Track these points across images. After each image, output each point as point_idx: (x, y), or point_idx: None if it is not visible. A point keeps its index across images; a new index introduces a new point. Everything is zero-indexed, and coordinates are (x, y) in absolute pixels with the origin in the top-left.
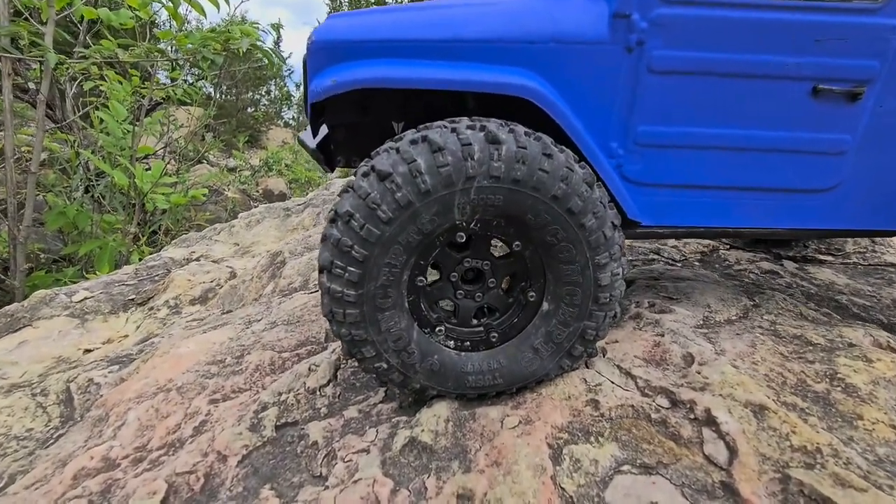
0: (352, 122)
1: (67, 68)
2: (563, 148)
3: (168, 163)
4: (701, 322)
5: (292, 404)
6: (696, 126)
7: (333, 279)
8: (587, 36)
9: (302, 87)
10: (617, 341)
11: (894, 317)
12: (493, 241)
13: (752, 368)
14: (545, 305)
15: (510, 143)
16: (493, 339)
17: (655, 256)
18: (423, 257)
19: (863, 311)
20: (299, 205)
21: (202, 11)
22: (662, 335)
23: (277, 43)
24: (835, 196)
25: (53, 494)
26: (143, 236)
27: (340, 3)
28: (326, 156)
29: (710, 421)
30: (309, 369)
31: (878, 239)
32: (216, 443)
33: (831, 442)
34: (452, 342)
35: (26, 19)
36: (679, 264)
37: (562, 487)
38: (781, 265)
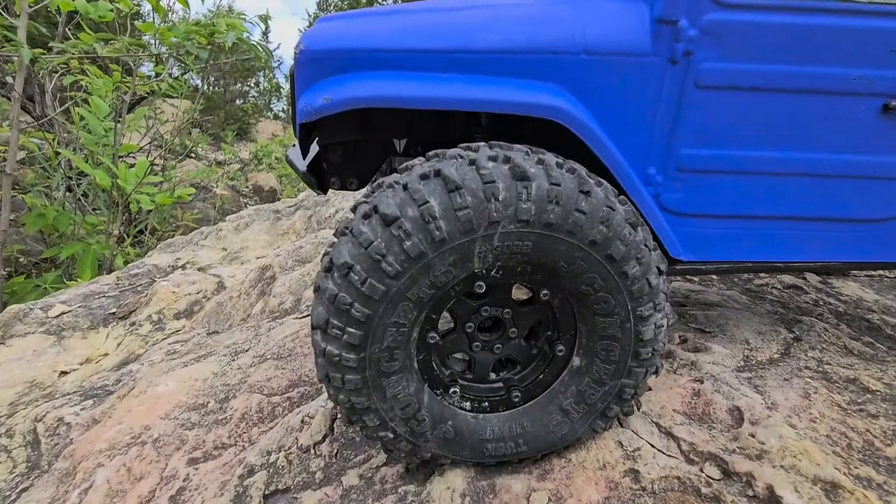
0: (350, 140)
1: (46, 63)
2: (602, 181)
3: (154, 159)
4: (742, 363)
5: (283, 466)
6: (748, 149)
7: (330, 340)
8: (625, 46)
9: (289, 99)
10: (650, 388)
11: None
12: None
13: (812, 429)
14: (576, 361)
15: (541, 180)
16: (516, 399)
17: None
18: (435, 311)
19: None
20: (290, 207)
21: (186, 3)
22: (702, 381)
23: (266, 34)
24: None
25: None
26: (127, 237)
27: None
28: (318, 177)
29: (774, 500)
30: (302, 422)
31: None
32: None
33: None
34: (468, 403)
35: None
36: (696, 279)
37: None
38: (804, 278)
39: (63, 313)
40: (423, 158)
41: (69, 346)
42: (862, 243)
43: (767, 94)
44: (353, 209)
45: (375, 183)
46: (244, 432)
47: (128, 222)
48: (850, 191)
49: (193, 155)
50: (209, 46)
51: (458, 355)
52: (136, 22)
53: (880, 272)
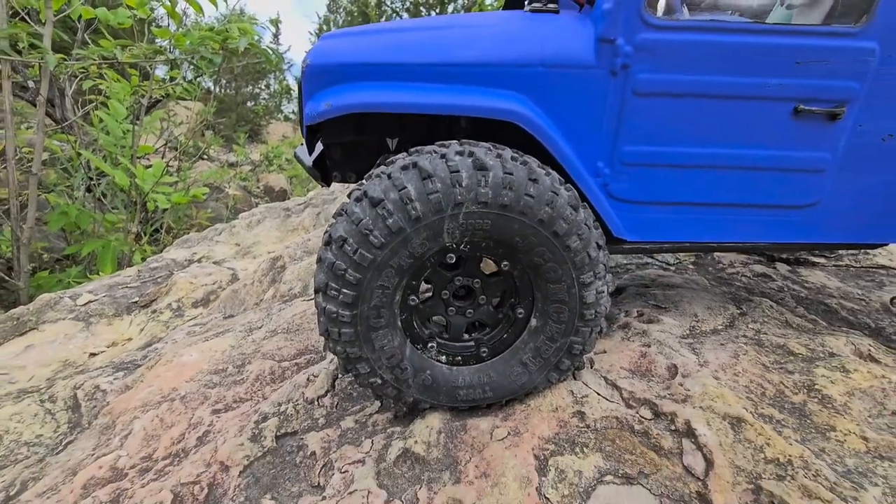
0: (347, 140)
1: (67, 68)
2: (550, 171)
3: (169, 161)
4: (687, 332)
5: (291, 414)
6: (680, 146)
7: (329, 300)
8: (574, 60)
9: (298, 104)
10: (605, 352)
11: (882, 321)
12: (483, 260)
13: (733, 380)
14: (533, 322)
15: (497, 170)
16: (484, 354)
17: (649, 260)
18: (414, 278)
19: (851, 314)
20: (299, 205)
21: (200, 10)
22: (649, 346)
23: (277, 36)
24: (816, 211)
25: (64, 503)
26: (145, 235)
27: None
28: (323, 172)
29: (690, 433)
30: (307, 380)
31: None
32: (219, 453)
33: (803, 454)
34: (444, 357)
35: (23, 20)
36: (673, 268)
37: (546, 498)
38: (774, 268)
39: (90, 301)
40: (406, 153)
41: (96, 331)
42: (786, 227)
43: (695, 100)
44: (349, 195)
45: (367, 174)
46: (258, 390)
47: (145, 220)
48: (770, 181)
49: (206, 156)
50: (222, 52)
51: (436, 318)
52: (152, 27)
53: (847, 262)
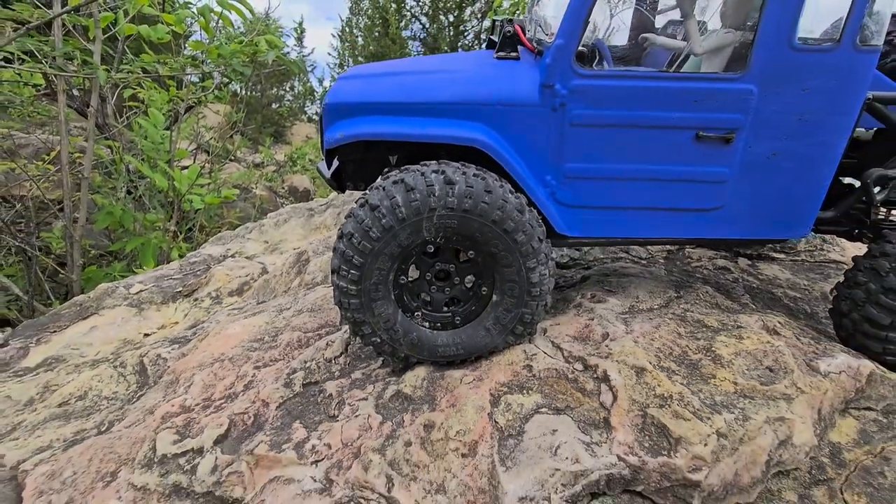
0: (358, 157)
1: (110, 79)
2: (504, 184)
3: (203, 164)
4: (626, 310)
5: (314, 369)
6: (608, 163)
7: (341, 278)
8: (523, 100)
9: (319, 130)
10: (559, 324)
11: (817, 306)
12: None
13: (649, 343)
14: (494, 297)
15: (461, 184)
16: (457, 322)
17: (623, 255)
18: (404, 262)
19: (792, 302)
20: (322, 205)
21: (231, 24)
22: (592, 319)
23: (300, 40)
24: (721, 213)
25: (150, 427)
26: (180, 233)
27: None
28: (339, 182)
29: (606, 378)
30: (327, 344)
31: (827, 238)
32: (261, 394)
33: (682, 392)
34: (427, 323)
35: (70, 36)
36: (644, 261)
37: (495, 420)
38: (735, 262)
39: (141, 290)
40: (397, 170)
41: (148, 315)
42: (698, 225)
43: (618, 129)
44: (356, 201)
45: (371, 185)
46: (289, 353)
47: (180, 220)
48: (682, 190)
49: (234, 158)
50: (252, 64)
51: (423, 296)
52: (188, 40)
53: (803, 257)
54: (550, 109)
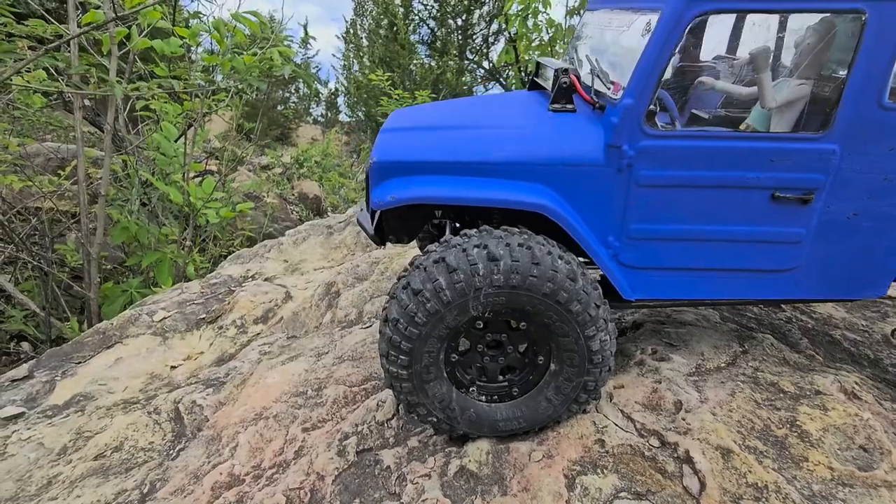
0: (403, 213)
1: (134, 93)
2: (551, 249)
3: (216, 173)
4: (693, 370)
5: (367, 434)
6: (676, 224)
7: (391, 363)
8: (588, 160)
9: (365, 186)
10: (623, 386)
11: (881, 352)
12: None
13: (728, 416)
14: (552, 366)
15: (506, 258)
16: (515, 393)
17: None
18: (453, 340)
19: (853, 346)
20: (340, 222)
21: (244, 38)
22: (660, 382)
23: (306, 42)
24: (794, 274)
25: (200, 501)
26: (195, 246)
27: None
28: (381, 234)
29: (689, 460)
30: (377, 405)
31: None
32: (314, 465)
33: (777, 480)
34: (484, 397)
35: (84, 51)
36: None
37: None
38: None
39: (164, 318)
40: (437, 245)
41: (172, 345)
42: (771, 286)
43: (687, 189)
44: (398, 279)
45: (411, 261)
46: (336, 412)
47: (194, 232)
48: (754, 251)
49: (242, 163)
50: (267, 78)
51: (475, 366)
52: (198, 53)
53: None
54: (616, 170)
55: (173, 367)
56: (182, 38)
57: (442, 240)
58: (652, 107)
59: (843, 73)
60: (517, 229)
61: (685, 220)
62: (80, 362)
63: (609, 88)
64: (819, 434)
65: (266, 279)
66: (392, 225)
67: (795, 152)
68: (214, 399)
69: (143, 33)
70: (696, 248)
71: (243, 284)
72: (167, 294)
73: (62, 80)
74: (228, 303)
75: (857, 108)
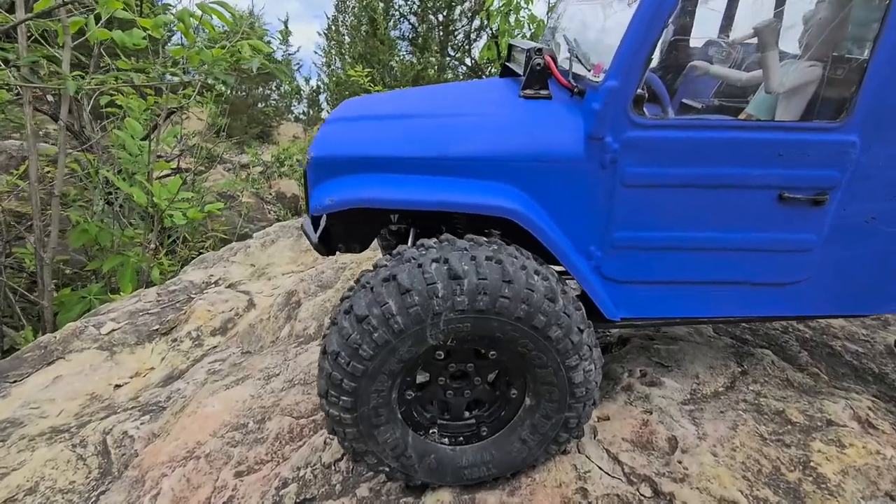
0: (351, 219)
1: (85, 85)
2: (526, 263)
3: (188, 168)
4: (688, 397)
5: (310, 480)
6: (669, 231)
7: (331, 405)
8: (565, 154)
9: (303, 186)
10: (609, 418)
11: (885, 366)
12: None
13: (731, 455)
14: (528, 401)
15: (471, 276)
16: (484, 433)
17: None
18: (408, 375)
19: (855, 358)
20: None
21: (212, 29)
22: (650, 412)
23: (286, 39)
24: (803, 287)
25: None
26: (162, 248)
27: None
28: (328, 244)
29: None
30: (325, 443)
31: None
32: None
33: None
34: (447, 439)
35: (41, 44)
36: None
37: None
38: None
39: (113, 330)
40: (388, 257)
41: (120, 360)
42: (777, 301)
43: (681, 190)
44: (340, 302)
45: (358, 277)
46: (278, 450)
47: (162, 234)
48: (758, 261)
49: (220, 161)
50: (235, 71)
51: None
52: (167, 47)
53: None
54: (598, 166)
55: (117, 387)
56: (145, 29)
57: (394, 252)
58: (640, 91)
59: (862, 52)
60: (485, 239)
61: (679, 225)
62: (15, 381)
63: (590, 71)
64: (838, 479)
65: (230, 285)
66: (340, 232)
67: (808, 145)
68: (148, 429)
69: (100, 23)
70: (692, 259)
71: (204, 291)
72: (122, 302)
73: (10, 71)
74: (185, 312)
75: (881, 93)
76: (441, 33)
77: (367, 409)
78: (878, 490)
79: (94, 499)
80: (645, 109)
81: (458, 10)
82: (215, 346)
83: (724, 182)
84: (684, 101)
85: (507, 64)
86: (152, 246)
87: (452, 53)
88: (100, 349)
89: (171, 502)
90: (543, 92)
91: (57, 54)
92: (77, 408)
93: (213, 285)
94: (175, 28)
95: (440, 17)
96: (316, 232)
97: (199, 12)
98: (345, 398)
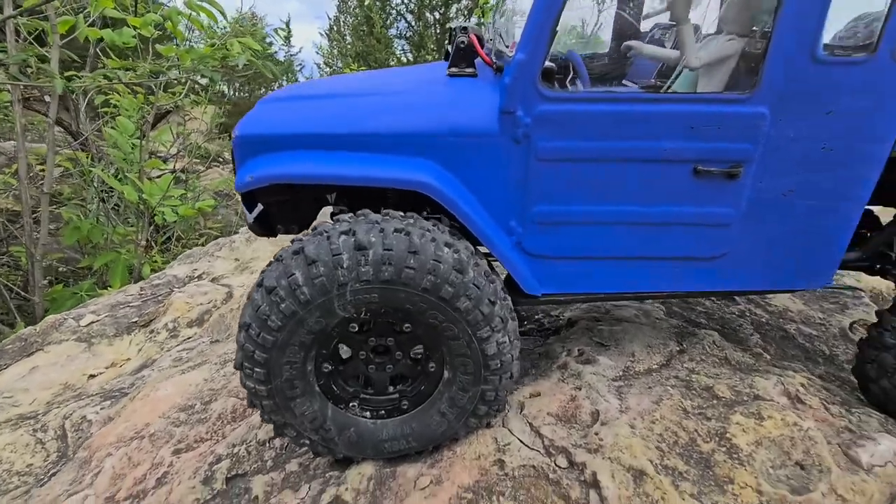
0: (284, 198)
1: (76, 84)
2: (436, 236)
3: (184, 166)
4: (620, 373)
5: (243, 456)
6: (586, 205)
7: (247, 377)
8: (480, 129)
9: (233, 167)
10: (540, 394)
11: (836, 347)
12: None
13: (649, 428)
14: (446, 374)
15: (377, 247)
16: (405, 407)
17: None
18: (324, 347)
19: (808, 341)
20: None
21: (202, 27)
22: (580, 388)
23: (288, 39)
24: (725, 262)
25: None
26: (155, 245)
27: None
28: (266, 225)
29: (596, 484)
30: (262, 421)
31: None
32: (172, 496)
33: None
34: (368, 412)
35: (31, 43)
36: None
37: None
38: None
39: (92, 322)
40: (304, 234)
41: (98, 351)
42: (697, 276)
43: (596, 163)
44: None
45: (276, 254)
46: (219, 429)
47: (155, 232)
48: (678, 235)
49: (221, 159)
50: (223, 69)
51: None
52: (157, 46)
53: None
54: (512, 141)
55: (91, 377)
56: (135, 28)
57: (311, 227)
58: (549, 63)
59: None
60: (400, 214)
61: (595, 199)
62: None
63: (508, 47)
64: (750, 449)
65: (213, 279)
66: (275, 212)
67: (718, 117)
68: (105, 414)
69: (89, 21)
70: (611, 234)
71: (186, 285)
72: (106, 297)
73: None
74: (164, 305)
75: (786, 63)
76: (437, 31)
77: (281, 381)
78: (788, 459)
79: (45, 480)
80: (569, 85)
81: (454, 7)
82: (190, 338)
83: (638, 156)
84: (625, 81)
85: (448, 47)
86: (143, 243)
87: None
88: (78, 341)
89: (110, 479)
90: (468, 70)
91: (46, 53)
92: (49, 396)
93: (197, 279)
94: (165, 26)
95: (436, 15)
96: (250, 212)
97: (187, 11)
98: (258, 370)
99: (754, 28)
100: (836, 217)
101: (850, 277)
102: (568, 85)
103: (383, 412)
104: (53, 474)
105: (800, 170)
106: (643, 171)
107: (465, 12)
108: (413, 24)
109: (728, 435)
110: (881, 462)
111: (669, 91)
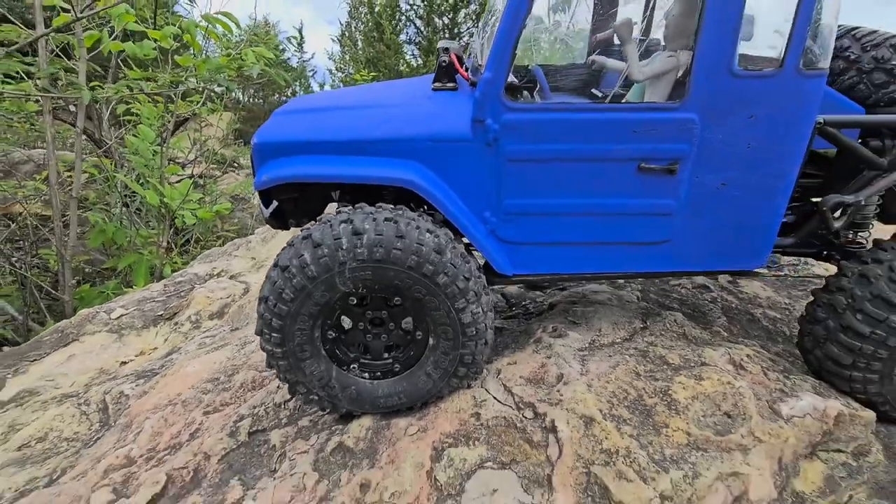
0: (296, 196)
1: (100, 94)
2: (420, 224)
3: (202, 171)
4: (586, 345)
5: (262, 416)
6: (549, 198)
7: (266, 342)
8: (455, 135)
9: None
10: (516, 362)
11: (797, 327)
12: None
13: (603, 387)
14: (431, 341)
15: (370, 233)
16: (397, 369)
17: None
18: (329, 317)
19: (771, 323)
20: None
21: (218, 38)
22: (549, 358)
23: (301, 45)
24: (669, 247)
25: (90, 483)
26: (175, 247)
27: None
28: (281, 220)
29: (554, 429)
30: (278, 387)
31: None
32: (203, 445)
33: (629, 445)
34: (367, 374)
35: (58, 55)
36: (620, 281)
37: (435, 478)
38: (716, 279)
39: (122, 315)
40: (312, 223)
41: (127, 341)
42: (647, 259)
43: (556, 163)
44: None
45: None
46: (241, 395)
47: (175, 234)
48: (627, 223)
49: (236, 164)
50: (238, 78)
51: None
52: (175, 57)
53: (786, 272)
54: (484, 145)
55: (123, 363)
56: (155, 40)
57: (317, 217)
58: (512, 79)
59: None
60: (391, 206)
61: (557, 194)
62: (34, 360)
63: (481, 66)
64: (687, 402)
65: (231, 276)
66: (288, 208)
67: (656, 122)
68: (140, 389)
69: (113, 36)
70: (572, 222)
71: (206, 282)
72: (133, 294)
73: (31, 83)
74: (187, 300)
75: (707, 76)
76: (446, 36)
77: (293, 344)
78: (718, 410)
79: (92, 443)
80: (535, 95)
81: (462, 13)
82: (211, 328)
83: (590, 156)
84: (593, 91)
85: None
86: (164, 245)
87: None
88: (110, 332)
89: (150, 436)
90: (450, 84)
91: (74, 66)
92: (87, 379)
93: (216, 277)
94: (184, 38)
95: (445, 20)
96: (267, 209)
97: (205, 24)
98: (275, 335)
99: (690, 45)
100: (764, 205)
101: (820, 267)
102: (535, 95)
103: (379, 374)
104: (99, 438)
105: (730, 166)
106: (595, 168)
107: (474, 17)
108: (422, 29)
109: (670, 392)
110: (800, 414)
111: (624, 100)
